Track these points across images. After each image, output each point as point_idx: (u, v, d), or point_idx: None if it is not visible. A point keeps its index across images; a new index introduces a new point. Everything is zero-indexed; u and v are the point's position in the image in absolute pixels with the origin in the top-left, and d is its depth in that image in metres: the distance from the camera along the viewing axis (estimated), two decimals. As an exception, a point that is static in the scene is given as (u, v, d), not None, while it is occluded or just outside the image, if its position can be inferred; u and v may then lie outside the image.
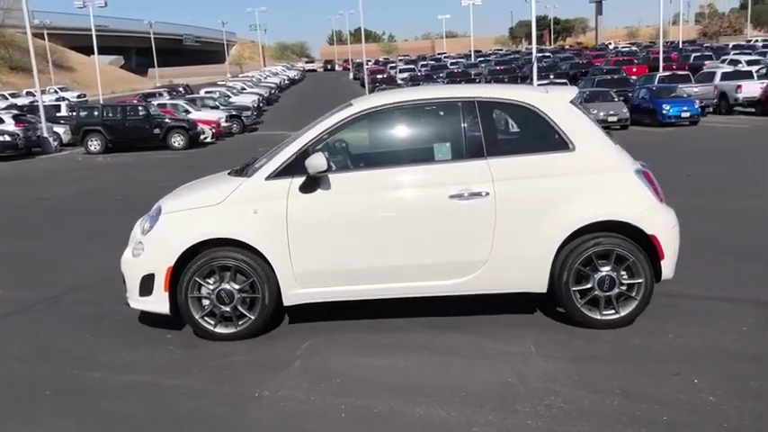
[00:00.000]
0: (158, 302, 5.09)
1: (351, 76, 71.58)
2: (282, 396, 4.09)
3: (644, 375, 4.18)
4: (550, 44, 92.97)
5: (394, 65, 62.97)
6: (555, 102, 5.11)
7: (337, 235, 4.95)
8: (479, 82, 39.43)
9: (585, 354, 4.56)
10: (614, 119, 25.10)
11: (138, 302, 5.20)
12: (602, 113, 25.14)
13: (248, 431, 3.75)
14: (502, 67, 46.34)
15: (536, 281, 4.99)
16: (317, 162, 4.81)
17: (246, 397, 4.11)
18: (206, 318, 5.06)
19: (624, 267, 4.92)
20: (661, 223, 4.95)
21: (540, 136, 5.09)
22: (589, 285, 4.93)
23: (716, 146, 18.14)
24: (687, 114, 25.33)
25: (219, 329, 5.07)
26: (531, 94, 5.18)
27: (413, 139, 5.32)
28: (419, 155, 5.15)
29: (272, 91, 50.47)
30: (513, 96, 5.18)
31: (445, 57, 72.28)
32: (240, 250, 4.97)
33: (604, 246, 4.89)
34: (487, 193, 4.88)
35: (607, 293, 4.93)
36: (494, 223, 4.91)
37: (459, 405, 3.88)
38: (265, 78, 60.25)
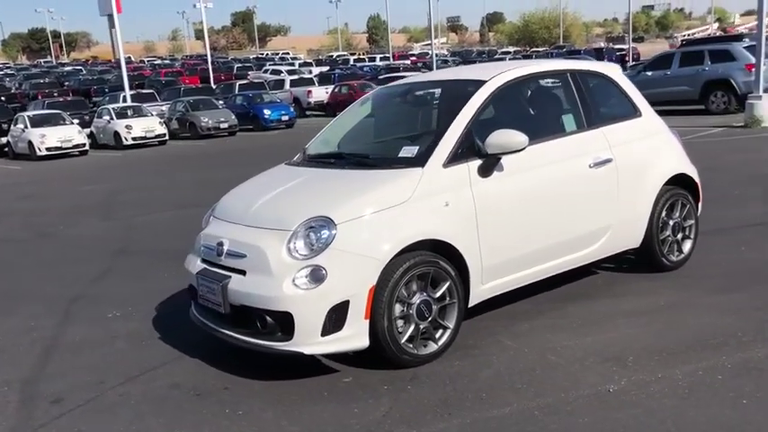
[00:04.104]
0: (355, 337, 3.98)
1: None
2: (640, 384, 3.76)
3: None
4: (66, 57, 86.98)
5: None
6: (619, 72, 5.62)
7: (515, 218, 4.61)
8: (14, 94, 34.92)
9: (721, 286, 5.21)
10: (225, 125, 25.56)
11: (320, 345, 3.95)
12: (211, 121, 25.41)
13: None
14: (45, 80, 42.01)
15: (637, 237, 5.44)
16: (510, 139, 4.39)
17: (614, 401, 3.66)
18: (406, 342, 4.16)
19: (684, 212, 5.74)
20: (697, 173, 5.91)
21: (618, 104, 5.53)
22: (668, 233, 5.62)
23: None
24: (286, 118, 27.30)
25: (422, 351, 4.22)
26: (604, 66, 5.61)
27: (543, 112, 5.18)
28: (551, 127, 5.06)
29: None
30: (594, 68, 5.52)
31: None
32: (430, 252, 4.22)
33: (675, 196, 5.61)
34: (611, 160, 5.15)
35: (676, 237, 5.70)
36: (617, 187, 5.20)
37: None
38: None
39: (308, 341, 3.93)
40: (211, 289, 4.29)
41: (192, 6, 51.58)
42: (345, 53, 67.44)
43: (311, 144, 5.47)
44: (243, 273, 4.15)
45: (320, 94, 32.75)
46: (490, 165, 4.48)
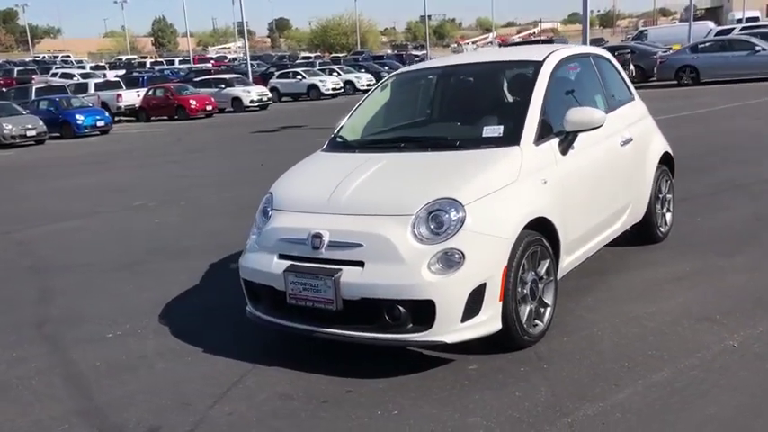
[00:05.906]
0: (490, 321, 3.83)
1: None
2: (756, 338, 4.01)
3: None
4: None
5: None
6: (612, 57, 5.93)
7: (585, 194, 4.72)
8: None
9: (720, 251, 5.66)
10: (33, 133, 23.06)
11: (460, 332, 3.75)
12: (16, 129, 22.78)
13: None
14: None
15: (641, 211, 5.78)
16: (591, 116, 4.47)
17: (750, 355, 3.88)
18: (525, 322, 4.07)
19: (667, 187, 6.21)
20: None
21: (621, 87, 5.84)
22: (658, 206, 6.05)
23: (173, 149, 19.22)
24: (101, 124, 25.25)
25: (535, 331, 4.16)
26: (604, 51, 5.86)
27: (583, 92, 5.24)
28: (592, 106, 5.17)
29: None
30: (601, 52, 5.76)
31: None
32: (534, 231, 4.17)
33: (663, 173, 6.06)
34: (632, 139, 5.44)
35: (662, 210, 6.15)
36: (635, 164, 5.51)
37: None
38: None
39: (449, 329, 3.71)
40: (314, 286, 3.87)
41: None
42: (135, 56, 63.65)
43: (344, 130, 5.14)
44: (359, 264, 3.80)
45: (131, 97, 30.87)
46: (569, 142, 4.54)
